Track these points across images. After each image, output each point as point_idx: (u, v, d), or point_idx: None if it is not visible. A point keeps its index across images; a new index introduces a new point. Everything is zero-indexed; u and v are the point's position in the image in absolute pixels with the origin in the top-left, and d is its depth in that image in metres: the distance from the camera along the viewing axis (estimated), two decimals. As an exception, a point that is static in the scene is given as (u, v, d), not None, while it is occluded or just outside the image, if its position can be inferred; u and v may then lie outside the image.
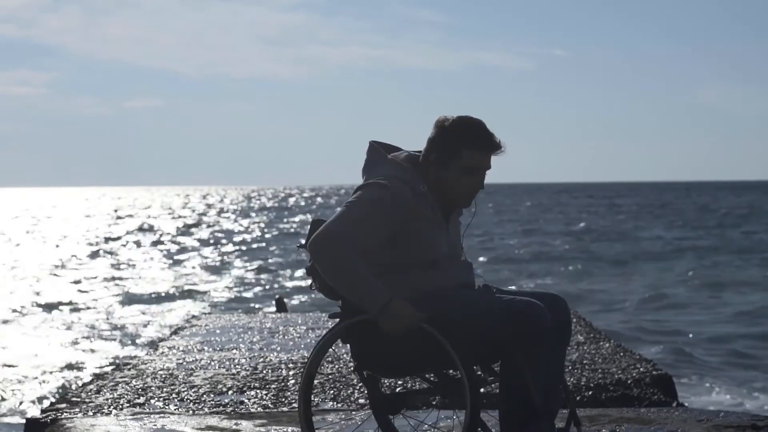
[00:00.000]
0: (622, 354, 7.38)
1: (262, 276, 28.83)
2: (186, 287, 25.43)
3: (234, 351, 7.80)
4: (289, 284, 26.30)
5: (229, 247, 41.02)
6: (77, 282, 26.19)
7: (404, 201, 3.93)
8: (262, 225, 61.65)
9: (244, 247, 41.03)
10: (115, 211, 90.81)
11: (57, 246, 41.58)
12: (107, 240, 46.14)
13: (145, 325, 18.04)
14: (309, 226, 4.06)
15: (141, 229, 56.89)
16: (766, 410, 10.43)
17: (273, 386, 6.40)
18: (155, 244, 43.71)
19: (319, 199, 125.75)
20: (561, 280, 26.32)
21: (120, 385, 6.44)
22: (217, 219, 70.85)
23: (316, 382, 6.49)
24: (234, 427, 5.22)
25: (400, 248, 3.97)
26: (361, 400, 5.94)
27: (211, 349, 7.89)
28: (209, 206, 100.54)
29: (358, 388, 6.26)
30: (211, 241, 45.19)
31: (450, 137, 3.99)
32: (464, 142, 3.98)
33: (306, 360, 4.93)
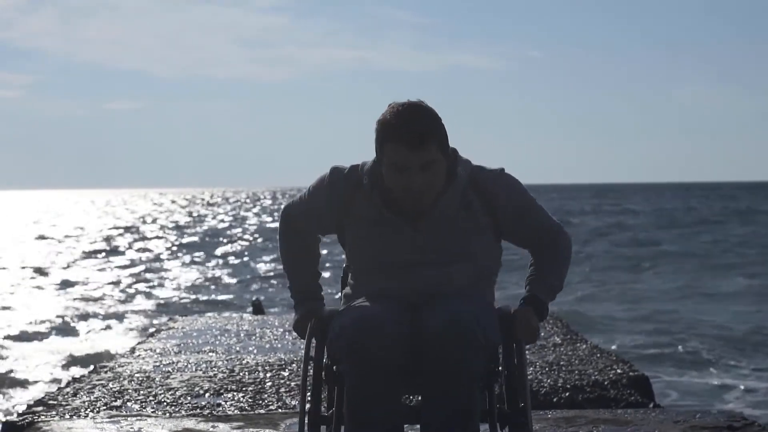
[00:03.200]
0: (599, 355, 7.40)
1: (240, 278, 28.76)
2: (163, 289, 25.34)
3: (211, 353, 7.78)
4: (267, 286, 26.25)
5: (208, 250, 40.92)
6: (60, 283, 26.07)
7: (338, 190, 3.62)
8: (245, 227, 61.57)
9: (221, 250, 40.94)
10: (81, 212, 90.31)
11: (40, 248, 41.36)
12: (91, 243, 45.95)
13: (117, 329, 17.96)
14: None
15: (125, 229, 56.71)
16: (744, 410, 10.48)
17: (250, 388, 6.39)
18: (126, 245, 43.57)
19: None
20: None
21: (97, 387, 6.41)
22: (200, 219, 70.72)
23: (292, 384, 6.48)
24: (211, 429, 5.21)
25: (346, 251, 3.75)
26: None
27: (187, 352, 7.87)
28: (194, 215, 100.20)
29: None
30: (194, 244, 45.07)
31: (377, 130, 3.48)
32: (386, 135, 3.43)
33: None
